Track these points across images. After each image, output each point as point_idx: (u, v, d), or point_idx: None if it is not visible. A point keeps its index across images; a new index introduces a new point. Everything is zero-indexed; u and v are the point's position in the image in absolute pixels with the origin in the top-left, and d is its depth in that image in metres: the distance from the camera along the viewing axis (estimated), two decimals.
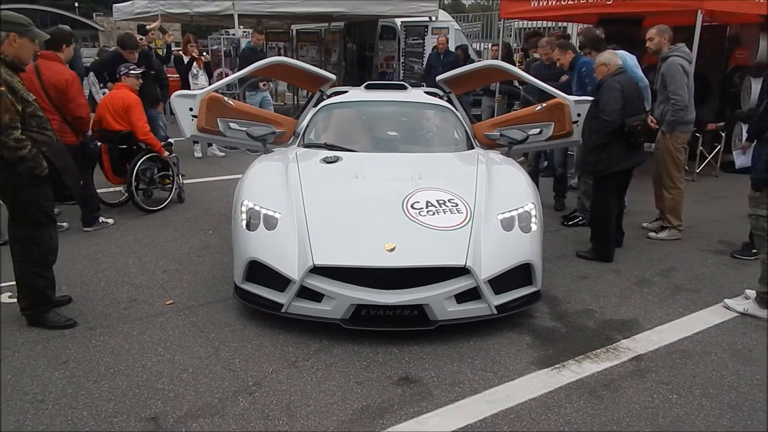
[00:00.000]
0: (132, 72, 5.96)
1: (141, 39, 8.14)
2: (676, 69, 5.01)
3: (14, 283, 3.77)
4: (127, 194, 6.04)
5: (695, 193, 6.88)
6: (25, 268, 3.54)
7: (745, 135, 7.19)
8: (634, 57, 5.40)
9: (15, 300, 3.79)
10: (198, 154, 8.98)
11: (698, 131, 7.55)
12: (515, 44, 11.51)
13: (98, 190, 6.13)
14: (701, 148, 7.87)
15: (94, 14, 33.20)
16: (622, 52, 5.23)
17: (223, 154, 9.14)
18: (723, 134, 8.03)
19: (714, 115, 8.28)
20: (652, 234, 5.48)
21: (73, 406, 2.82)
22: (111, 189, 6.30)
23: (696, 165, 7.86)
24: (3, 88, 3.21)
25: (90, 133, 5.49)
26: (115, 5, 12.91)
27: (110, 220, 5.73)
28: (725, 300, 4.03)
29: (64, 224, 5.53)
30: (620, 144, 4.62)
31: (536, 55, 7.10)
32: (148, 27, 9.51)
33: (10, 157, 3.27)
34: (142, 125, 5.82)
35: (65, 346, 3.39)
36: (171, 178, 6.27)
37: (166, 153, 6.05)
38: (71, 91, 4.85)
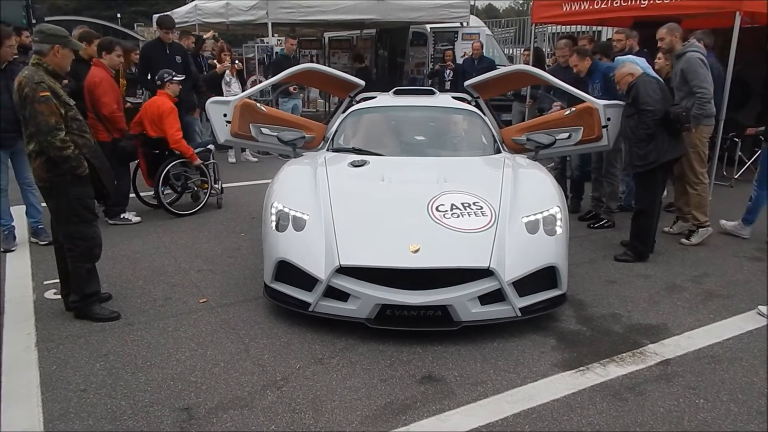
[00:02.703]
0: (175, 79, 6.15)
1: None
2: (696, 63, 5.05)
3: (58, 280, 4.00)
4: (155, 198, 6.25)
5: (733, 199, 6.74)
6: (75, 263, 3.76)
7: None
8: (643, 59, 5.44)
9: (59, 296, 4.02)
10: (232, 160, 9.21)
11: (737, 136, 7.39)
12: (548, 49, 11.45)
13: (141, 193, 6.41)
14: (740, 153, 7.69)
15: (135, 25, 34.33)
16: (634, 57, 5.27)
17: (256, 159, 9.35)
18: (763, 139, 7.82)
19: (754, 119, 8.08)
20: (684, 240, 5.42)
21: (112, 396, 2.97)
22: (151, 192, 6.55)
23: (735, 171, 7.69)
24: (48, 93, 3.47)
25: (130, 133, 5.82)
26: (155, 16, 13.35)
27: (136, 218, 5.98)
28: (759, 307, 3.96)
29: (138, 218, 6.01)
30: (665, 134, 4.73)
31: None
32: (204, 36, 9.81)
33: (56, 156, 3.51)
34: (173, 133, 5.95)
35: (105, 340, 3.56)
36: (208, 183, 6.43)
37: (198, 161, 6.18)
38: (97, 91, 5.52)
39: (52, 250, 4.05)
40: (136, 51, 7.61)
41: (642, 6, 7.37)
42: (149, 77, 6.90)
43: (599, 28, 10.98)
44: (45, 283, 4.41)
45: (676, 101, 5.09)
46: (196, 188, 6.41)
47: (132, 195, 6.34)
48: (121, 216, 5.96)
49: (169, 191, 6.41)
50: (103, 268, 4.24)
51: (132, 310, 3.98)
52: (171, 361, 3.31)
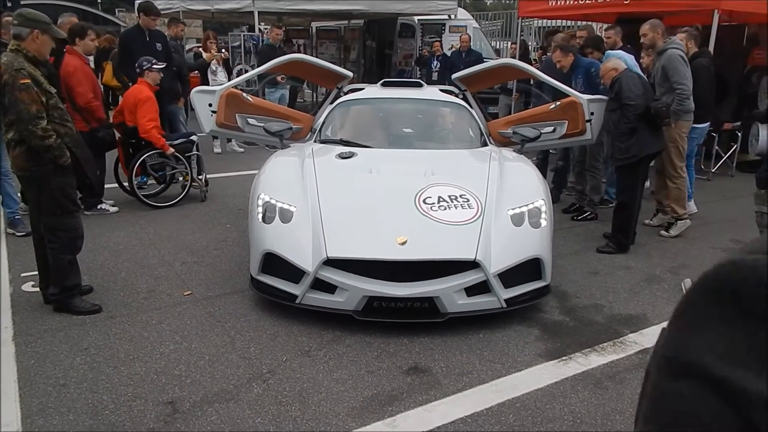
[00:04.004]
0: (155, 67, 6.04)
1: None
2: (677, 60, 5.14)
3: (36, 272, 3.92)
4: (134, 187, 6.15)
5: (710, 193, 6.85)
6: (56, 255, 3.68)
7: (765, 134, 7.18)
8: (632, 56, 5.51)
9: (37, 289, 3.94)
10: (217, 150, 9.10)
11: (714, 131, 7.50)
12: (534, 43, 11.50)
13: (125, 183, 6.30)
14: (717, 147, 7.81)
15: (116, 10, 33.67)
16: (621, 53, 5.35)
17: (242, 149, 9.25)
18: (739, 134, 7.97)
19: (731, 114, 8.21)
20: (663, 233, 5.51)
21: (93, 390, 2.93)
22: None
23: (712, 165, 7.81)
24: (29, 81, 3.37)
25: (109, 122, 5.71)
26: (137, 1, 13.14)
27: (113, 208, 5.90)
28: None
29: (115, 208, 5.93)
30: (646, 128, 4.80)
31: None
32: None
33: (38, 145, 3.43)
34: (144, 122, 5.80)
35: (86, 333, 3.51)
36: (186, 173, 6.27)
37: (171, 150, 6.01)
38: (71, 81, 5.38)
39: (30, 241, 3.96)
40: None
41: (625, 2, 7.45)
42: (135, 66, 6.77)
43: (583, 23, 11.07)
44: (23, 275, 4.32)
45: (657, 96, 5.16)
46: (182, 179, 6.31)
47: (115, 185, 6.26)
48: (98, 206, 5.86)
49: (153, 182, 6.32)
50: (84, 260, 4.18)
51: (114, 303, 3.92)
52: (154, 355, 3.27)
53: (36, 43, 3.49)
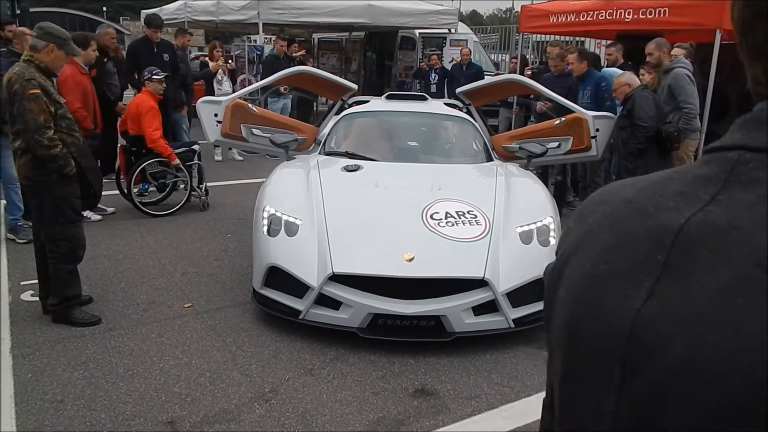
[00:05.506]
0: (155, 77, 6.00)
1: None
2: (683, 79, 5.16)
3: (36, 281, 3.84)
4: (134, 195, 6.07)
5: None
6: (57, 264, 3.63)
7: None
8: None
9: (36, 298, 3.86)
10: (218, 158, 9.05)
11: None
12: (532, 57, 11.55)
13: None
14: None
15: (121, 18, 33.92)
16: (615, 71, 5.36)
17: (241, 158, 9.20)
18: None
19: None
20: None
21: (91, 407, 2.85)
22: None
23: None
24: (38, 91, 3.40)
25: (95, 132, 5.63)
26: (143, 11, 13.15)
27: (96, 216, 5.78)
28: None
29: (98, 216, 5.81)
30: (655, 150, 4.82)
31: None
32: (294, 54, 9.61)
33: (44, 155, 3.42)
34: (150, 132, 5.76)
35: (85, 346, 3.43)
36: (186, 183, 6.21)
37: (177, 161, 5.95)
38: (61, 89, 5.25)
39: (31, 249, 3.91)
40: None
41: (626, 20, 7.46)
42: (137, 76, 6.78)
43: (583, 38, 11.13)
44: (22, 283, 4.24)
45: (669, 119, 5.13)
46: (183, 187, 6.24)
47: (116, 192, 6.18)
48: (85, 214, 5.74)
49: (154, 189, 6.24)
50: (84, 269, 4.09)
51: (113, 314, 3.84)
52: (154, 371, 3.19)
53: (50, 56, 3.53)
